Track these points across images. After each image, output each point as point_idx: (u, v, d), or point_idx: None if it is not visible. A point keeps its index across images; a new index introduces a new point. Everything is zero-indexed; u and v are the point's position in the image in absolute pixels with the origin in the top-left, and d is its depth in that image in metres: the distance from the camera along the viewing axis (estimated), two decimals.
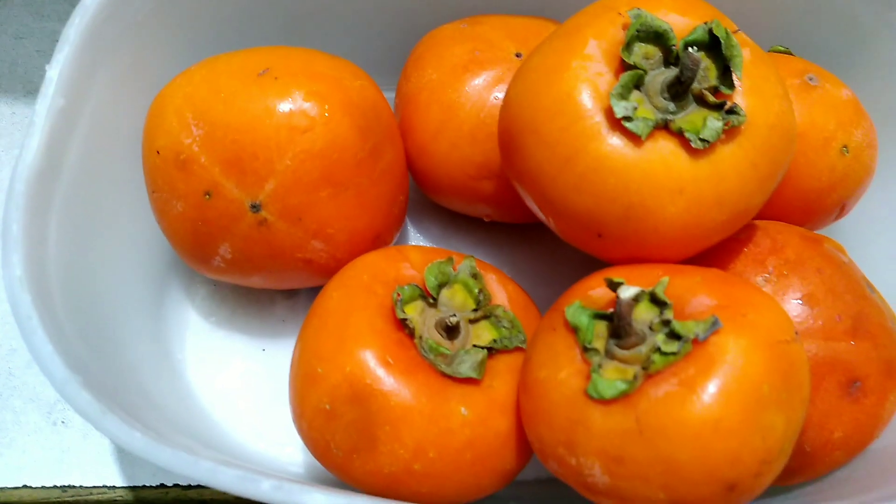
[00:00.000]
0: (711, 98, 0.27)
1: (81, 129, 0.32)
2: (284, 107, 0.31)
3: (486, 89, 0.35)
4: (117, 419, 0.24)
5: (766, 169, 0.27)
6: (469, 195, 0.37)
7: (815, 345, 0.29)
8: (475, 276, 0.32)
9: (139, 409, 0.29)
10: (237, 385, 0.38)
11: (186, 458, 0.23)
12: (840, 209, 0.35)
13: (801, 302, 0.30)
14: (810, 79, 0.33)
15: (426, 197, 0.41)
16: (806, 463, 0.30)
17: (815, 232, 0.34)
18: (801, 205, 0.34)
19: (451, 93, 0.35)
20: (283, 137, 0.31)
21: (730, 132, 0.27)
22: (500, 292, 0.33)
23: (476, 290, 0.32)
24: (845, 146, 0.33)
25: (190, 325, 0.39)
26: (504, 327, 0.31)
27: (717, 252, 0.32)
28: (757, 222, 0.33)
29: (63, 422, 0.38)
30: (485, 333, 0.31)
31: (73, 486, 0.36)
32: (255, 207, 0.32)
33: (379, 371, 0.28)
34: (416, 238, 0.42)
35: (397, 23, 0.41)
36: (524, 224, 0.41)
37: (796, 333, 0.25)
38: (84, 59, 0.32)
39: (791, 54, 0.37)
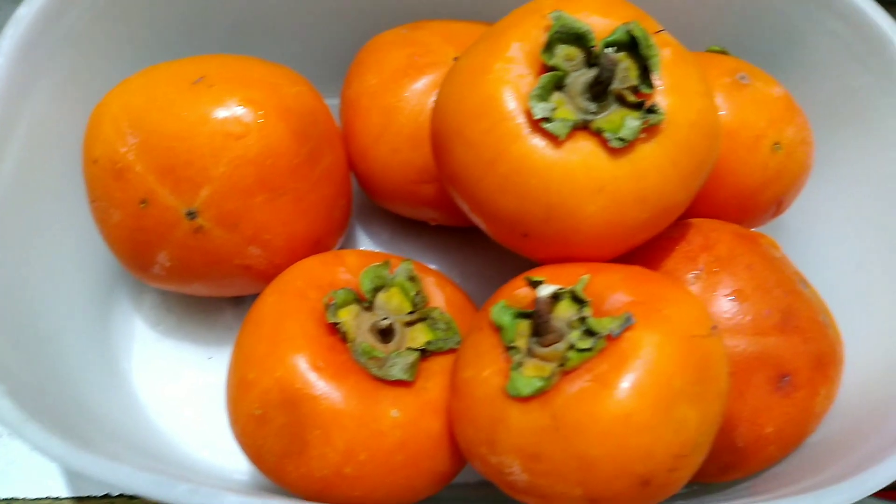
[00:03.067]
0: (631, 97, 0.27)
1: (18, 139, 0.32)
2: (219, 114, 0.31)
3: (424, 94, 0.35)
4: (38, 427, 0.24)
5: (688, 166, 0.28)
6: (412, 199, 0.37)
7: (744, 340, 0.30)
8: (412, 279, 0.32)
9: (70, 419, 0.29)
10: (184, 394, 0.38)
11: (104, 464, 0.23)
12: (777, 206, 0.35)
13: (730, 298, 0.30)
14: (741, 77, 0.34)
15: (375, 202, 0.41)
16: (739, 458, 0.30)
17: (751, 229, 0.35)
18: (735, 203, 0.34)
19: (391, 97, 0.36)
20: (218, 144, 0.31)
21: (650, 131, 0.27)
22: (438, 294, 0.33)
23: (413, 293, 0.32)
24: (777, 143, 0.33)
25: (136, 333, 0.39)
26: (440, 329, 0.31)
27: (650, 250, 0.32)
28: (691, 220, 0.33)
29: (10, 434, 0.38)
30: (420, 336, 0.31)
31: (18, 499, 0.36)
32: (191, 214, 0.32)
33: (309, 375, 0.28)
34: (364, 243, 0.43)
35: (342, 30, 0.41)
36: (472, 227, 0.41)
37: (714, 328, 0.25)
38: (19, 71, 0.32)
39: (727, 54, 0.37)
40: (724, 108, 0.33)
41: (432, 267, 0.42)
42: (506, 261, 0.41)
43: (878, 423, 0.30)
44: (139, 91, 0.33)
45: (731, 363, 0.29)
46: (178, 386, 0.39)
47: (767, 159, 0.33)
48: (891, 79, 0.33)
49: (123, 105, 0.32)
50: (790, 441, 0.31)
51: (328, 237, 0.36)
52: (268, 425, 0.28)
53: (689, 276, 0.31)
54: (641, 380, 0.23)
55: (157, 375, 0.39)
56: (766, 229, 0.38)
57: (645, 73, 0.27)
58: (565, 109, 0.27)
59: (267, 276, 0.34)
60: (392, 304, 0.32)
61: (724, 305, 0.30)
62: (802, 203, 0.37)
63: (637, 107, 0.27)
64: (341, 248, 0.42)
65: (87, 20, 0.35)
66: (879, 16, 0.33)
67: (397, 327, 0.31)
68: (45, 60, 0.34)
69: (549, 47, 0.27)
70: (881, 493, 0.39)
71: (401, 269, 0.32)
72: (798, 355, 0.30)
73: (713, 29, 0.38)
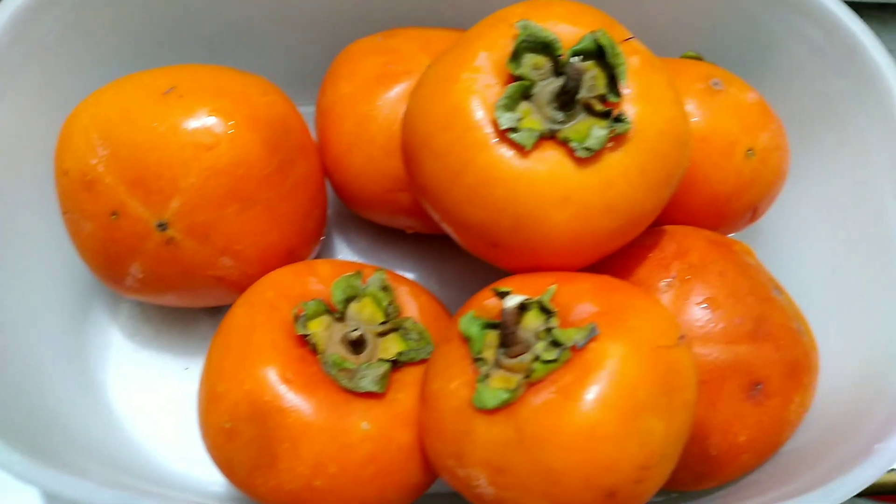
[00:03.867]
0: (599, 106, 0.27)
1: None
2: (189, 124, 0.31)
3: (398, 102, 0.35)
4: None
5: (657, 175, 0.28)
6: (388, 208, 0.37)
7: (716, 348, 0.29)
8: (385, 288, 0.32)
9: (39, 432, 0.29)
10: (160, 404, 0.38)
11: (66, 480, 0.23)
12: (752, 212, 0.35)
13: (702, 306, 0.30)
14: (715, 83, 0.33)
15: (352, 211, 0.41)
16: (713, 467, 0.30)
17: (726, 235, 0.35)
18: (710, 209, 0.34)
19: (364, 106, 0.35)
20: (188, 155, 0.31)
21: (618, 139, 0.27)
22: (411, 304, 0.33)
23: (385, 303, 0.32)
24: (751, 149, 0.33)
25: (113, 344, 0.39)
26: (412, 339, 0.31)
27: (623, 257, 0.32)
28: (665, 227, 0.33)
29: None
30: (392, 346, 0.31)
31: None
32: (162, 226, 0.32)
33: (278, 388, 0.28)
34: (343, 251, 0.42)
35: (320, 37, 0.41)
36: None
37: (681, 338, 0.25)
38: None
39: (702, 59, 0.37)
40: (696, 114, 0.33)
41: (410, 275, 0.42)
42: (483, 268, 0.40)
43: (851, 429, 0.30)
44: (109, 102, 0.32)
45: (704, 371, 0.29)
46: (154, 397, 0.38)
47: (741, 165, 0.33)
48: (863, 84, 0.33)
49: (93, 116, 0.32)
50: (764, 449, 0.30)
51: (302, 247, 0.36)
52: (237, 438, 0.28)
53: (662, 283, 0.31)
54: (605, 391, 0.23)
55: (133, 386, 0.38)
56: (742, 235, 0.38)
57: (613, 81, 0.27)
58: (532, 119, 0.27)
59: (240, 286, 0.34)
60: (364, 314, 0.32)
61: (697, 313, 0.30)
62: (779, 208, 0.37)
63: (605, 116, 0.27)
64: (318, 257, 0.41)
65: (58, 31, 0.35)
66: (852, 21, 0.33)
67: (369, 338, 0.31)
68: (16, 71, 0.33)
69: (515, 56, 0.27)
70: (879, 497, 0.39)
71: (373, 279, 0.32)
72: (770, 363, 0.30)
73: (688, 35, 0.38)
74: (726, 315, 0.30)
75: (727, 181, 0.33)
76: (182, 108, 0.32)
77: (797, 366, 0.30)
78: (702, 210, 0.34)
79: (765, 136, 0.34)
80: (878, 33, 0.47)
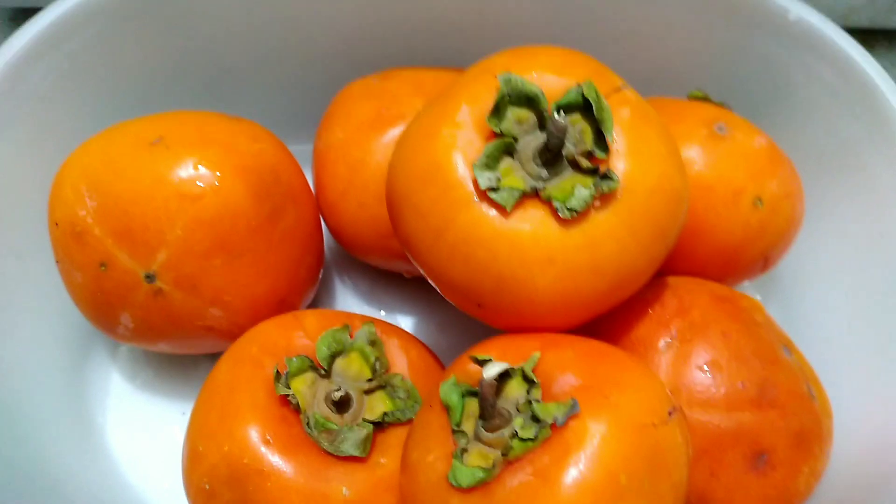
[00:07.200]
0: (585, 163, 0.26)
1: None
2: (175, 176, 0.31)
3: (391, 147, 0.34)
4: None
5: (648, 234, 0.26)
6: (383, 253, 0.36)
7: (717, 415, 0.28)
8: (373, 342, 0.31)
9: (27, 479, 0.29)
10: (157, 448, 0.38)
11: None
12: (764, 262, 0.33)
13: (703, 369, 0.28)
14: (719, 128, 0.32)
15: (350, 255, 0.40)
16: None
17: (735, 287, 0.33)
18: (718, 259, 0.32)
19: (357, 152, 0.35)
20: (174, 207, 0.31)
21: (605, 198, 0.25)
22: (401, 358, 0.32)
23: (373, 359, 0.31)
24: (759, 198, 0.31)
25: (112, 387, 0.39)
26: (399, 398, 0.30)
27: (623, 312, 0.30)
28: (669, 279, 0.32)
29: None
30: (379, 405, 0.30)
31: None
32: (150, 277, 0.31)
33: (257, 450, 0.27)
34: (343, 295, 0.42)
35: (319, 75, 0.41)
36: None
37: (672, 412, 0.24)
38: None
39: (709, 99, 0.35)
40: (700, 161, 0.31)
41: (411, 318, 0.41)
42: None
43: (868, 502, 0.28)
44: (97, 153, 0.32)
45: (704, 439, 0.27)
46: (152, 441, 0.38)
47: (749, 215, 0.31)
48: (879, 128, 0.31)
49: (82, 167, 0.32)
50: None
51: (293, 296, 0.35)
52: (215, 500, 0.28)
53: (661, 343, 0.29)
54: (584, 475, 0.21)
55: (131, 429, 0.38)
56: (757, 283, 0.36)
57: (600, 135, 0.26)
58: (515, 177, 0.26)
59: (231, 335, 0.33)
60: (351, 370, 0.31)
61: (697, 377, 0.28)
62: (795, 255, 0.35)
63: (591, 173, 0.26)
64: (318, 300, 0.41)
65: (53, 79, 0.35)
66: (867, 62, 0.31)
67: (354, 397, 0.30)
68: (11, 118, 0.34)
69: (497, 111, 0.26)
70: None
71: (361, 333, 0.31)
72: (776, 431, 0.28)
73: (699, 73, 0.37)
74: (729, 379, 0.28)
75: (734, 231, 0.32)
76: (168, 160, 0.31)
77: (806, 434, 0.28)
78: (709, 260, 0.32)
79: (774, 184, 0.32)
80: None
